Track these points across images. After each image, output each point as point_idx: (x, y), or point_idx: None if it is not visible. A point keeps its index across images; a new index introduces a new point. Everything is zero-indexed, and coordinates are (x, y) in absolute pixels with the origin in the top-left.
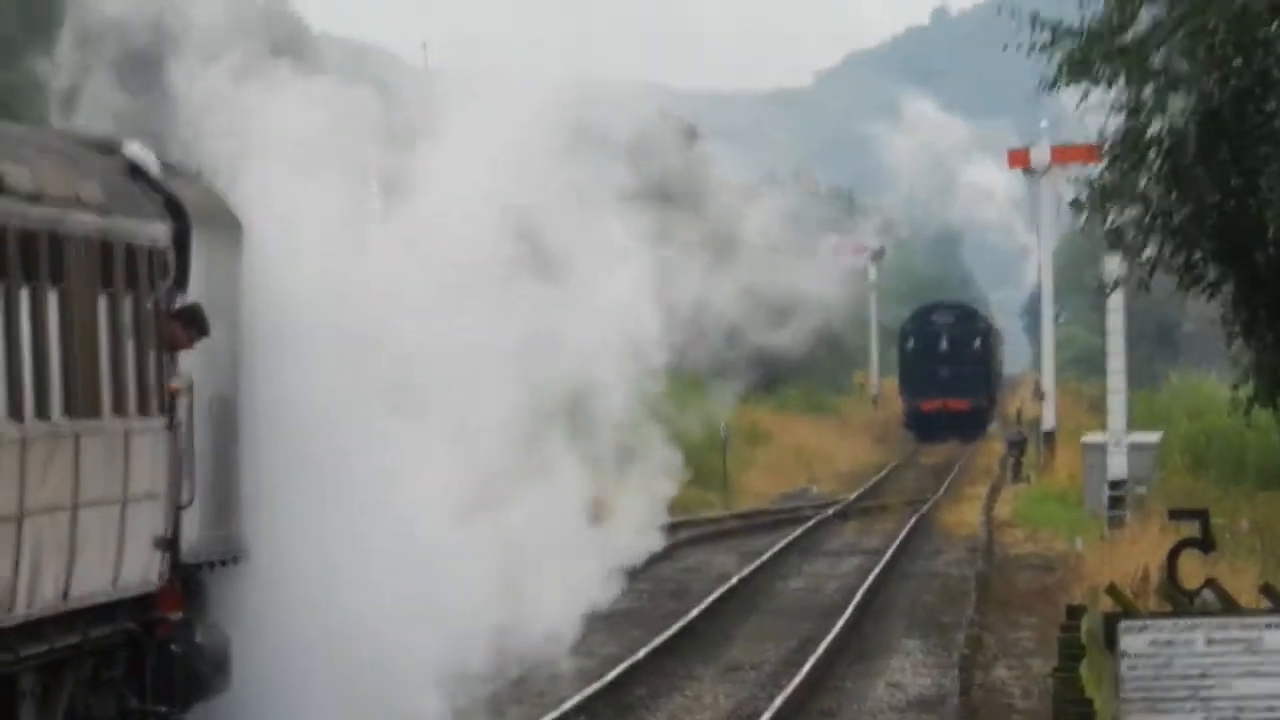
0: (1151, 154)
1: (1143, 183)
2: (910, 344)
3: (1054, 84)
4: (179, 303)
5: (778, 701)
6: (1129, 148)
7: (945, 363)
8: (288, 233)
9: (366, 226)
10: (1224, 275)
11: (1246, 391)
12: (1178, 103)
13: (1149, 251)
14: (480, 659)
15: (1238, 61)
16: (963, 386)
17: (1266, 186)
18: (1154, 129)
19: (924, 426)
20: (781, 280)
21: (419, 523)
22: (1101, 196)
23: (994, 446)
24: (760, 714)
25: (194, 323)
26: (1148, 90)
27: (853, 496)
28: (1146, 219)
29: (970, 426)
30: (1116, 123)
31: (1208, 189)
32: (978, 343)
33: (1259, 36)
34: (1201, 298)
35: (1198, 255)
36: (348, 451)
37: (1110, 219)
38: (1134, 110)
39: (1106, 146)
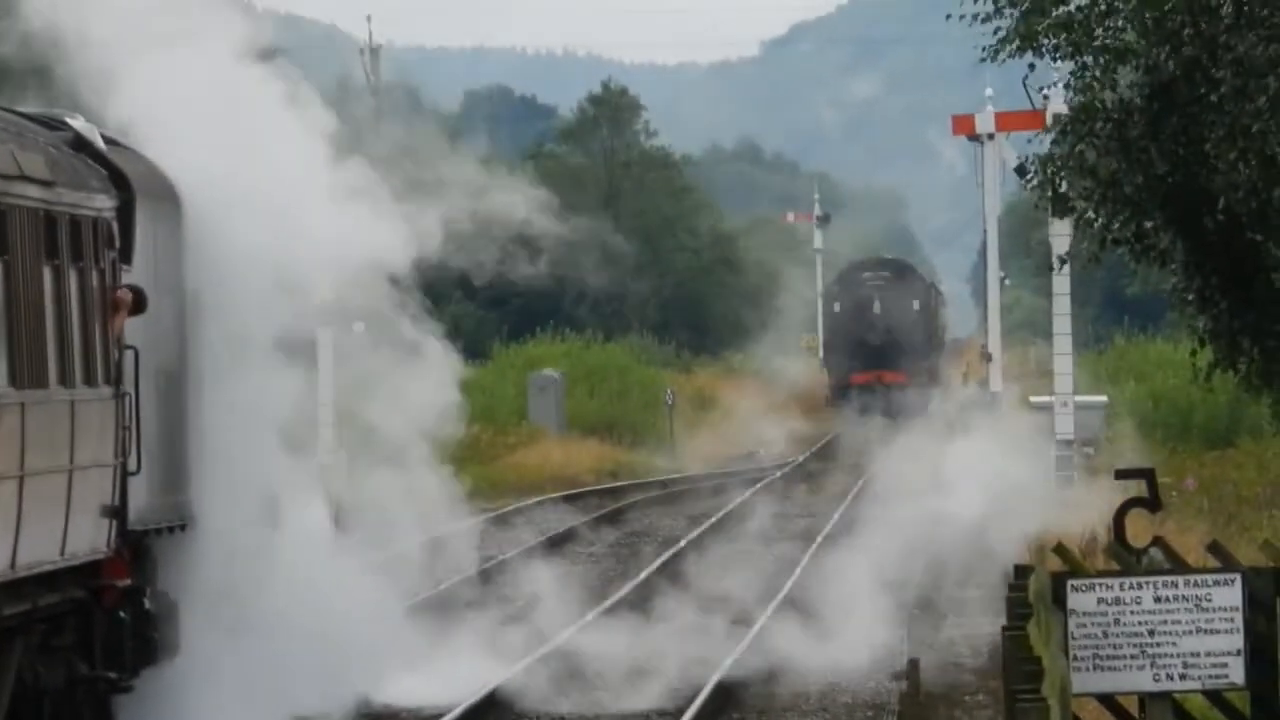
0: (1099, 125)
1: (1091, 155)
2: (836, 307)
3: (995, 55)
4: (124, 275)
5: (727, 662)
6: (1077, 120)
7: (878, 329)
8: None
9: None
10: (1174, 244)
11: (1205, 357)
12: (1126, 75)
13: (1099, 222)
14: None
15: (1188, 31)
16: (899, 356)
17: (1213, 155)
18: (1101, 100)
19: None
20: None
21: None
22: (1049, 169)
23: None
24: (708, 679)
25: (134, 302)
26: (1094, 63)
27: (800, 459)
28: (1097, 191)
29: (908, 403)
30: (1062, 94)
31: (1157, 160)
32: (916, 305)
33: (1210, 3)
34: (1151, 265)
35: (1148, 224)
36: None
37: (1060, 186)
38: (1081, 83)
39: (1051, 119)
